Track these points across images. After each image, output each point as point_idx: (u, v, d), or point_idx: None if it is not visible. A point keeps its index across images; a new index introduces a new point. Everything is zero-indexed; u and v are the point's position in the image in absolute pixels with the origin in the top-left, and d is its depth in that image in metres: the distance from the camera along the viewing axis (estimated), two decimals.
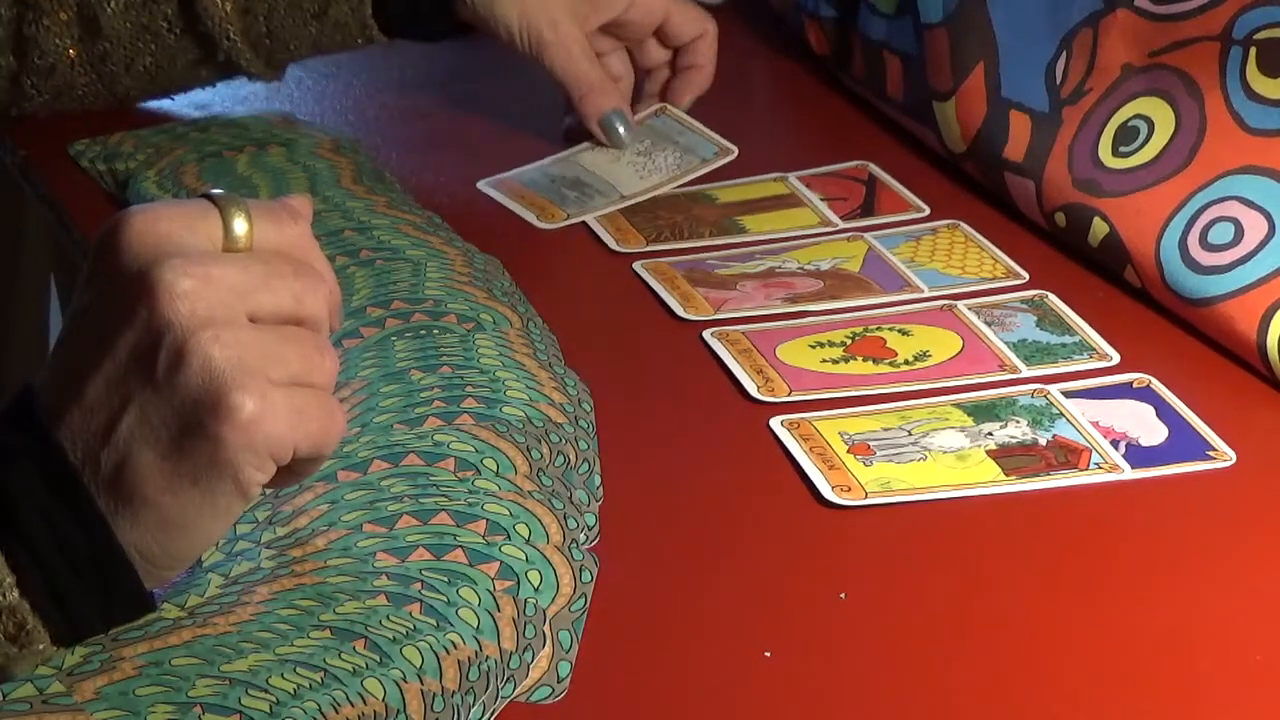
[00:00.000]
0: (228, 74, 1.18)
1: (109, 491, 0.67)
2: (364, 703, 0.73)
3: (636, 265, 1.07)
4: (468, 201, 1.12)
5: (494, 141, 1.19)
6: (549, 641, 0.79)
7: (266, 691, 0.73)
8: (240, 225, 0.68)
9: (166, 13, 1.13)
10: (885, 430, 0.92)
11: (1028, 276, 1.06)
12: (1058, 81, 1.08)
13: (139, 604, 0.69)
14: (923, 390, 0.96)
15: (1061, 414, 0.94)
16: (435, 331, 0.96)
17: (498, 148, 1.18)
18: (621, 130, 1.16)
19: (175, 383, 0.66)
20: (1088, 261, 1.07)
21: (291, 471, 0.69)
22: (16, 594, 0.67)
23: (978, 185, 1.15)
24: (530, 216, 1.11)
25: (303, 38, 1.16)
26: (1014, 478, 0.90)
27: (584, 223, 1.10)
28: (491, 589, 0.79)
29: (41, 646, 0.68)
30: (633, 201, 1.12)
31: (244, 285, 0.67)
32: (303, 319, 0.69)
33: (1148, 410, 0.95)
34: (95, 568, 0.67)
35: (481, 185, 1.14)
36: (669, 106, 1.19)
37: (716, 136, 1.16)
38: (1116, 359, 0.99)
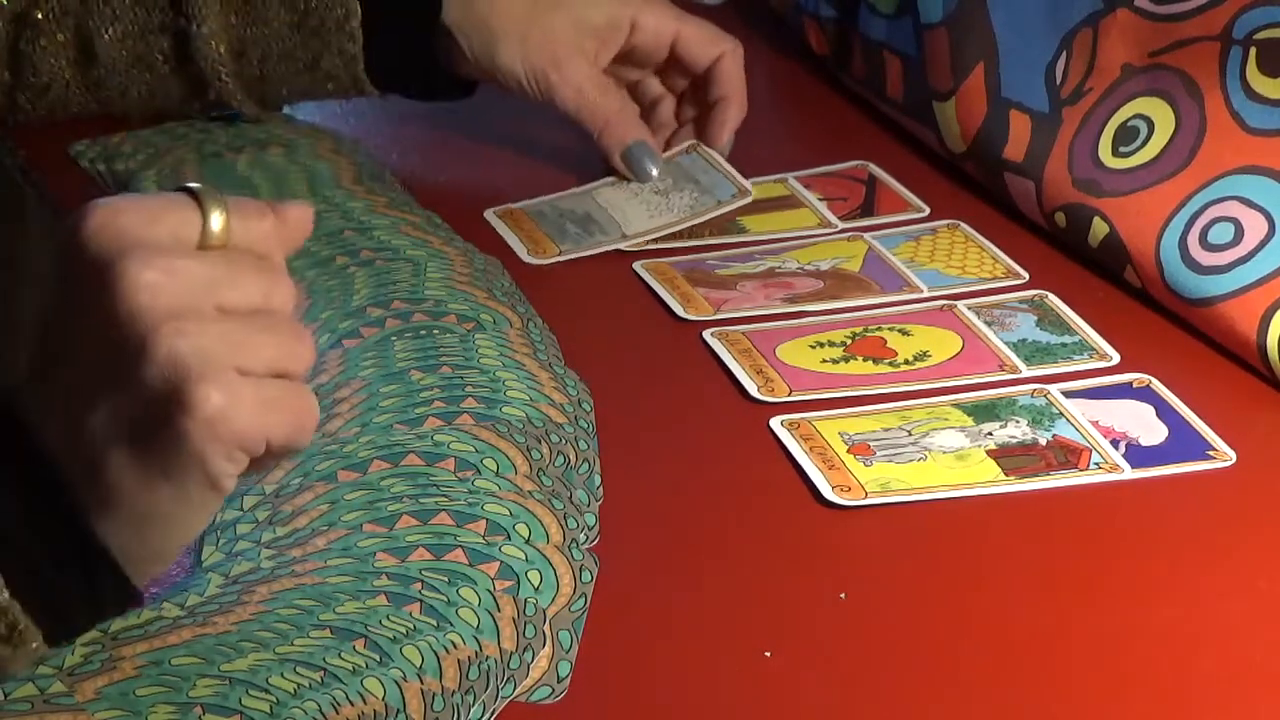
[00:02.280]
0: (221, 108, 1.16)
1: (85, 488, 0.67)
2: (364, 702, 0.73)
3: (636, 265, 1.07)
4: (467, 202, 1.12)
5: (493, 140, 1.19)
6: (549, 641, 0.79)
7: (267, 691, 0.73)
8: (216, 220, 0.67)
9: (163, 46, 1.12)
10: (885, 430, 0.92)
11: (1028, 276, 1.06)
12: (1058, 81, 1.08)
13: (127, 598, 0.69)
14: (923, 390, 0.96)
15: (1061, 414, 0.94)
16: (435, 331, 0.96)
17: (497, 146, 1.18)
18: (648, 163, 1.12)
19: (140, 377, 0.65)
20: (1088, 261, 1.07)
21: (268, 459, 0.68)
22: (6, 594, 0.67)
23: (978, 185, 1.15)
24: (521, 250, 1.08)
25: (294, 86, 1.14)
26: (1014, 478, 0.90)
27: None
28: (491, 589, 0.80)
29: (34, 645, 0.68)
30: (632, 243, 1.08)
31: (208, 279, 0.66)
32: (269, 315, 0.68)
33: (1148, 410, 0.95)
34: (81, 565, 0.67)
35: (488, 214, 1.11)
36: (701, 145, 1.16)
37: (739, 177, 1.13)
38: (1116, 359, 0.99)
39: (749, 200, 1.12)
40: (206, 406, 0.65)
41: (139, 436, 0.66)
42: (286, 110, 1.23)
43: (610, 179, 1.14)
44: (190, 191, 0.67)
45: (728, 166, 1.14)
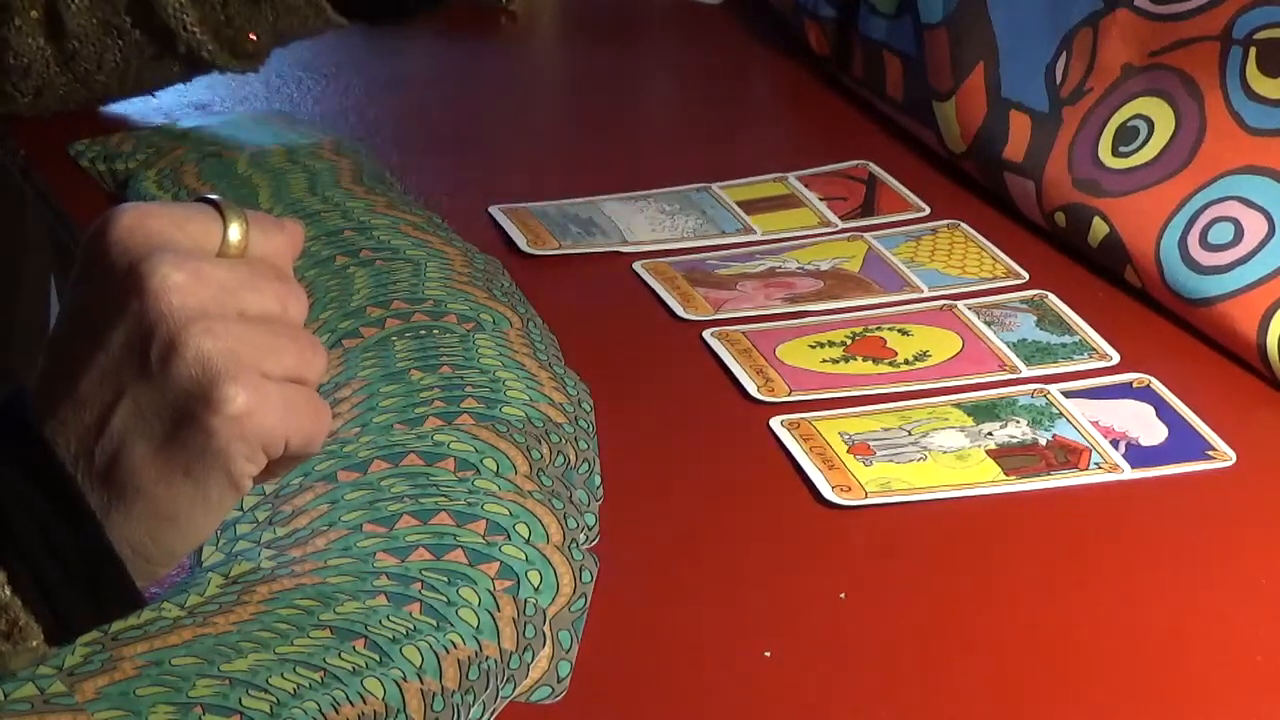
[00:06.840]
0: (199, 69, 1.15)
1: (103, 484, 0.67)
2: (364, 702, 0.73)
3: (636, 265, 1.07)
4: (469, 202, 1.12)
5: (492, 139, 1.19)
6: (549, 641, 0.79)
7: (266, 691, 0.73)
8: (236, 231, 0.69)
9: (127, 5, 1.11)
10: (885, 430, 0.92)
11: (1028, 276, 1.06)
12: (1058, 81, 1.09)
13: (129, 601, 0.69)
14: (923, 390, 0.96)
15: (1061, 414, 0.94)
16: (435, 331, 0.96)
17: (495, 146, 1.18)
18: None
19: (168, 373, 0.66)
20: (1088, 261, 1.07)
21: (280, 464, 0.69)
22: (8, 591, 0.67)
23: (978, 185, 1.15)
24: (521, 241, 1.08)
25: (261, 24, 1.13)
26: (1014, 478, 0.90)
27: None
28: (491, 589, 0.80)
29: (34, 644, 0.69)
30: (631, 249, 1.08)
31: (232, 283, 0.67)
32: (286, 323, 0.69)
33: (1148, 410, 0.95)
34: (85, 565, 0.68)
35: (492, 209, 1.11)
36: (714, 186, 1.15)
37: (746, 218, 1.12)
38: (1116, 359, 0.99)
39: (756, 237, 1.10)
40: (234, 405, 0.66)
41: (161, 433, 0.67)
42: (286, 109, 1.23)
43: (617, 194, 1.13)
44: (211, 202, 0.68)
45: (736, 208, 1.13)
